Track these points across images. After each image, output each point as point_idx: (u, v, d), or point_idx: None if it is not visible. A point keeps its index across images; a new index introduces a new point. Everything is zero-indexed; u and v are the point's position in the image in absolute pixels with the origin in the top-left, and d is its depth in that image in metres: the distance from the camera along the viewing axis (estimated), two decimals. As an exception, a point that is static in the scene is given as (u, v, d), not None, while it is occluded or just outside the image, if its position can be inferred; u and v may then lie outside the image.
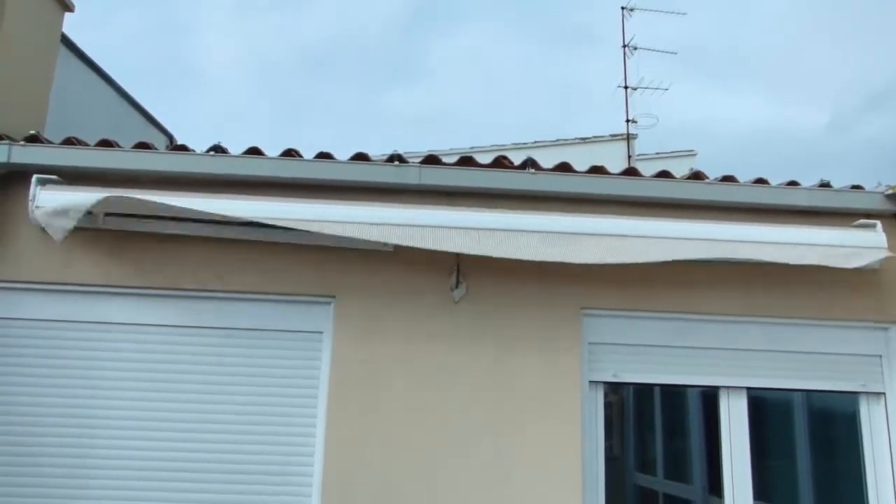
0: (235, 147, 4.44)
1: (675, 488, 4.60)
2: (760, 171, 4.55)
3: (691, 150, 11.33)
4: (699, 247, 4.14)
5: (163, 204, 3.99)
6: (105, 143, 4.37)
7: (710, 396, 4.52)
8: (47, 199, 4.02)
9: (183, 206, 3.99)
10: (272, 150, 4.44)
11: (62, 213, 3.98)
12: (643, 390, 4.59)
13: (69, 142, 4.39)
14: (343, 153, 4.42)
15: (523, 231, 4.10)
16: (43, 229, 4.22)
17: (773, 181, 4.58)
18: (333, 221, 4.01)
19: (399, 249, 4.32)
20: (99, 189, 4.04)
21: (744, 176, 4.58)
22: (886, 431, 4.46)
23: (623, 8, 10.66)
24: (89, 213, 4.14)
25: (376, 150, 5.14)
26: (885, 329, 4.57)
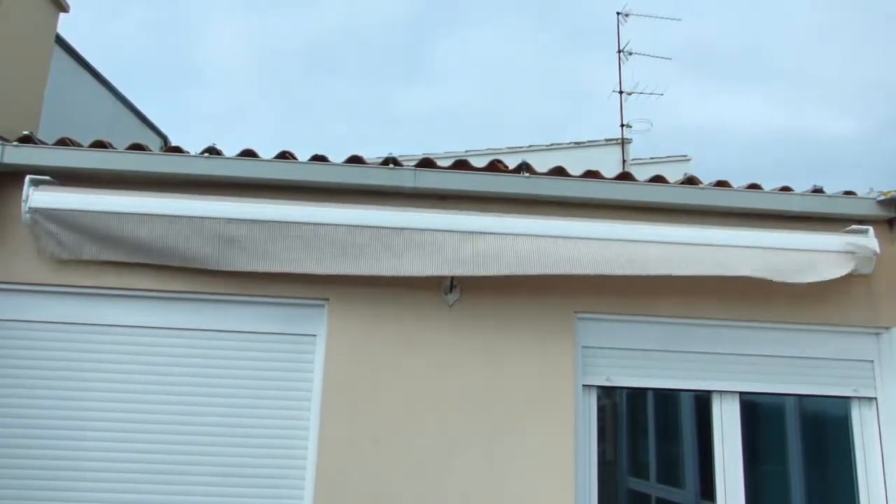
0: (233, 148, 4.46)
1: (667, 492, 4.60)
2: (767, 177, 4.58)
3: (685, 155, 11.38)
4: (694, 263, 4.16)
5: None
6: (99, 144, 4.36)
7: (702, 401, 4.53)
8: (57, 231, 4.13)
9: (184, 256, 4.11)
10: (274, 148, 4.46)
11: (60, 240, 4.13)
12: (636, 394, 4.59)
13: (63, 142, 4.38)
14: (347, 152, 4.44)
15: (519, 235, 4.12)
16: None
17: (769, 187, 4.61)
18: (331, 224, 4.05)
19: (393, 252, 4.32)
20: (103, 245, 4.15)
21: (743, 181, 4.61)
22: (878, 436, 4.48)
23: (619, 13, 10.69)
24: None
25: (381, 150, 5.17)
26: (877, 334, 4.59)
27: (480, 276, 4.09)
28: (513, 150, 10.50)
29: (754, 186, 4.59)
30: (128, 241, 4.10)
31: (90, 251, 4.15)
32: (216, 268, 4.14)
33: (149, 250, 4.12)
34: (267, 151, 4.43)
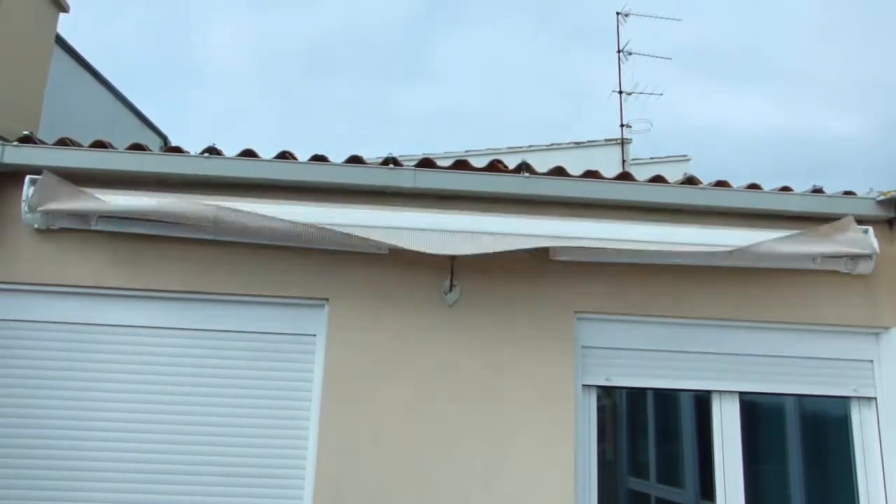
0: (233, 148, 4.46)
1: (667, 492, 4.60)
2: (767, 177, 4.59)
3: (685, 155, 11.37)
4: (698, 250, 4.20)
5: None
6: (98, 145, 4.36)
7: (702, 400, 4.53)
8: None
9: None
10: (274, 148, 4.47)
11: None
12: (636, 394, 4.59)
13: (63, 142, 4.38)
14: (347, 152, 4.45)
15: (519, 235, 4.13)
16: (37, 229, 4.22)
17: (769, 187, 4.61)
18: (334, 224, 4.04)
19: (393, 252, 4.32)
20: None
21: (743, 181, 4.61)
22: (877, 436, 4.48)
23: (618, 13, 10.69)
24: (83, 215, 4.15)
25: (381, 150, 5.17)
26: (877, 334, 4.59)
27: (478, 253, 4.08)
28: (513, 150, 10.49)
29: (754, 186, 4.59)
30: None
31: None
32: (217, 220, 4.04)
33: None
34: (267, 151, 4.45)
